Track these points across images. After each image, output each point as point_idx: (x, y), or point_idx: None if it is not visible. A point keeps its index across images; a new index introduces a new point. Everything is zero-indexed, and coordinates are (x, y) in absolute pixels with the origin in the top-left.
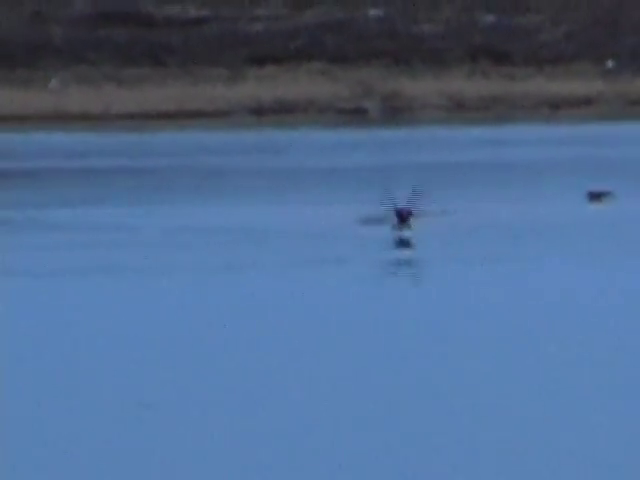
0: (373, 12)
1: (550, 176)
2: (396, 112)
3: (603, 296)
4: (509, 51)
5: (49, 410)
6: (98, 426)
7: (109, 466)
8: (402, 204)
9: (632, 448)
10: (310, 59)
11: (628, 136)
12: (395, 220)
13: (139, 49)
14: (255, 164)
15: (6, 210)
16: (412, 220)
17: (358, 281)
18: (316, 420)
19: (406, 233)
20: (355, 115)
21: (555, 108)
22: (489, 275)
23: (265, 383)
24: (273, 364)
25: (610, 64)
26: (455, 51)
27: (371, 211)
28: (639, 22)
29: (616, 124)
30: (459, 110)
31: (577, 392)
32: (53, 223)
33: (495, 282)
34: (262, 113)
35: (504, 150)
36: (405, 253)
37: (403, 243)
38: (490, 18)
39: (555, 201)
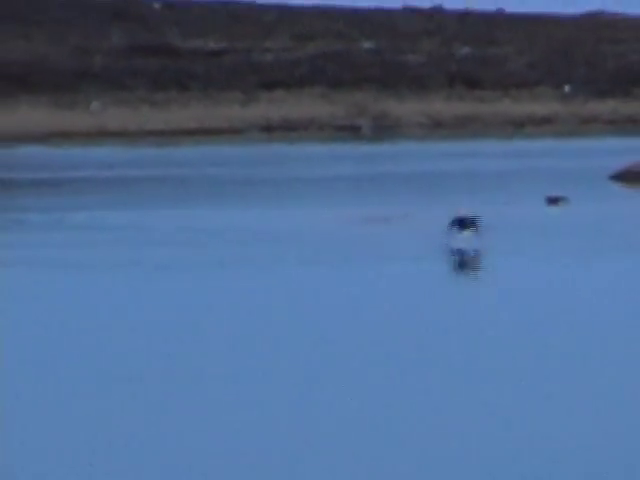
0: (366, 45)
1: (514, 183)
2: (385, 129)
3: (570, 286)
4: (480, 78)
5: (76, 381)
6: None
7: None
8: (462, 213)
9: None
10: (312, 84)
11: (581, 150)
12: (454, 227)
13: (167, 76)
14: (265, 174)
15: (53, 212)
16: (471, 227)
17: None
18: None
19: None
20: (350, 132)
21: (519, 126)
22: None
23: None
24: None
25: (566, 89)
26: (435, 78)
27: (367, 212)
28: (590, 54)
29: (571, 140)
30: (438, 128)
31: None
32: (90, 224)
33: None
34: (271, 130)
35: (476, 161)
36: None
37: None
38: (464, 50)
39: (518, 204)
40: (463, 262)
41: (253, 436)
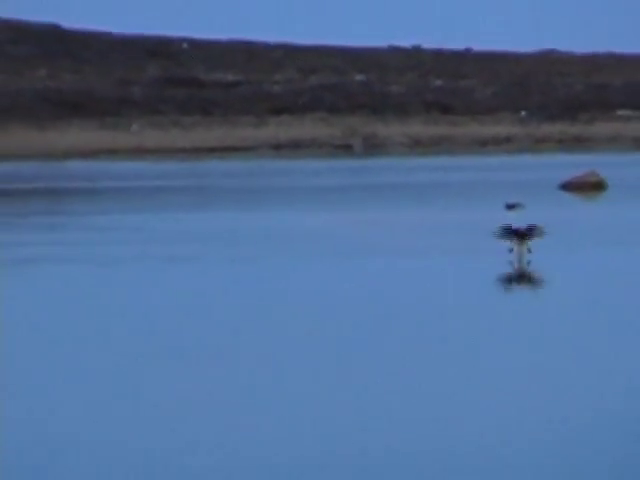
0: (357, 78)
1: (479, 192)
2: (373, 147)
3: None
4: (452, 105)
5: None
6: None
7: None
8: (517, 225)
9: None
10: (313, 110)
11: (535, 164)
12: (513, 239)
13: (193, 103)
14: (274, 184)
15: (99, 215)
16: (528, 238)
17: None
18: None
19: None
20: (344, 149)
21: (484, 145)
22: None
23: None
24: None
25: (523, 114)
26: (414, 105)
27: (359, 215)
28: (543, 85)
29: (526, 156)
30: (417, 146)
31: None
32: (130, 225)
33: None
34: (279, 148)
35: (448, 174)
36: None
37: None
38: (438, 82)
39: (483, 209)
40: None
41: (259, 431)
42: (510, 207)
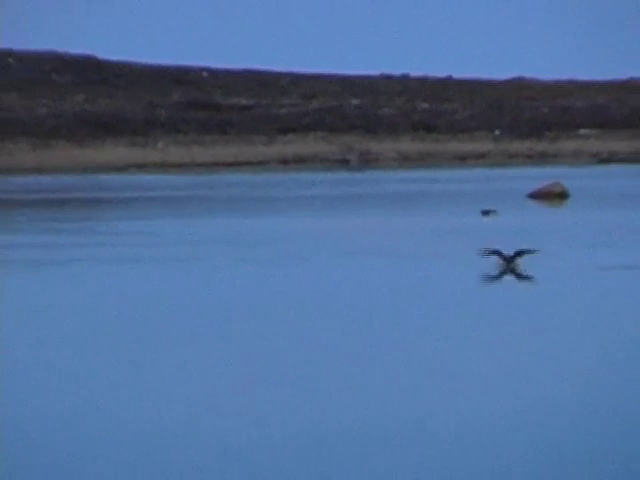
0: (353, 101)
1: (459, 200)
2: (367, 162)
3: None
4: (435, 125)
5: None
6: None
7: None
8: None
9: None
10: (315, 130)
11: (507, 177)
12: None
13: (212, 124)
14: (281, 194)
15: (130, 221)
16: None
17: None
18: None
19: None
20: (342, 163)
21: (463, 159)
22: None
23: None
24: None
25: (497, 132)
26: (403, 125)
27: (354, 221)
28: (513, 108)
29: (499, 169)
30: (405, 161)
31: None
32: (157, 229)
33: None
34: (286, 163)
35: (432, 185)
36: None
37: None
38: (424, 105)
39: (461, 215)
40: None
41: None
42: (485, 213)
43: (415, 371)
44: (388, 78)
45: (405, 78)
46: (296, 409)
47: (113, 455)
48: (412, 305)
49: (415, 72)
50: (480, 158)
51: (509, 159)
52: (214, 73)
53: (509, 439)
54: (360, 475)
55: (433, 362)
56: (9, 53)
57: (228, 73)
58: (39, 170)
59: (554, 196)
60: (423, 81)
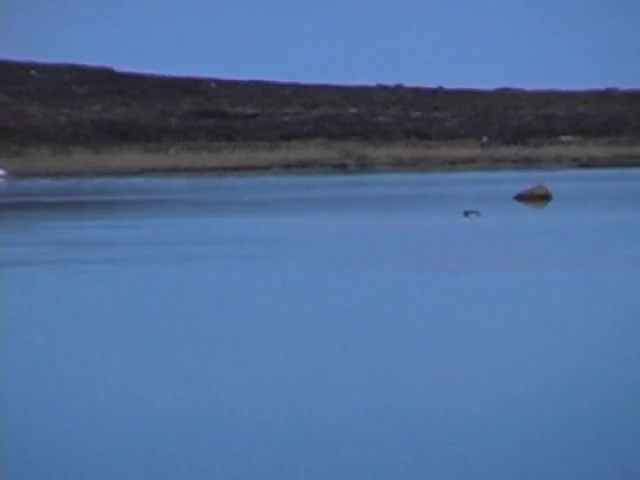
0: (351, 110)
1: (446, 202)
2: (364, 166)
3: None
4: (427, 132)
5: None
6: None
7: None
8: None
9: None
10: (316, 137)
11: (494, 180)
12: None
13: (220, 131)
14: (285, 196)
15: (143, 221)
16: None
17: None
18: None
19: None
20: (340, 168)
21: (453, 164)
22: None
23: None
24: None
25: (484, 139)
26: (397, 132)
27: (352, 222)
28: (500, 116)
29: (486, 174)
30: (399, 166)
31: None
32: (168, 229)
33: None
34: (289, 167)
35: (424, 187)
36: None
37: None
38: (417, 114)
39: (446, 215)
40: None
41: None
42: (467, 213)
43: (406, 368)
44: (383, 88)
45: (399, 88)
46: (298, 409)
47: (114, 455)
48: (409, 305)
49: (408, 83)
50: (469, 163)
51: (496, 164)
52: (222, 84)
53: (503, 432)
54: (360, 475)
55: (429, 360)
56: (31, 65)
57: (235, 83)
58: (59, 174)
59: (538, 198)
60: (416, 91)
